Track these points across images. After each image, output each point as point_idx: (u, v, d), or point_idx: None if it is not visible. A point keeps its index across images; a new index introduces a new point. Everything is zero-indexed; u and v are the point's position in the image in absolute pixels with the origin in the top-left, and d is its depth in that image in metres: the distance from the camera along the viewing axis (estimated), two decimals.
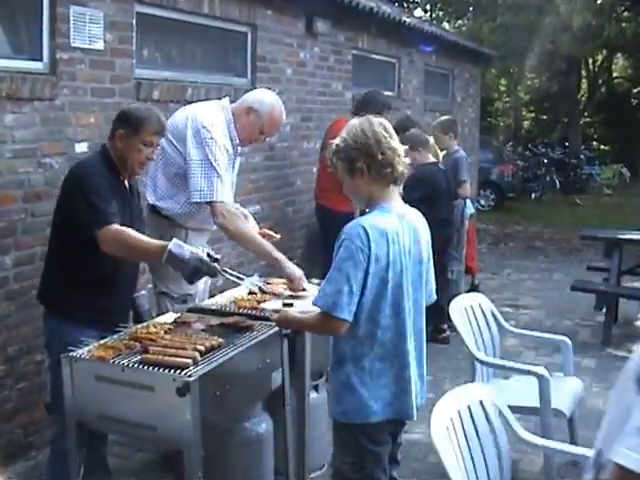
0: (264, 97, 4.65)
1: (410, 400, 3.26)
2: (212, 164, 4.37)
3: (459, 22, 30.52)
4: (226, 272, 3.86)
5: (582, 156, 24.40)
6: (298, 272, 4.51)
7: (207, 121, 4.47)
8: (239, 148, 4.69)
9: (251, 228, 4.61)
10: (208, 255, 3.62)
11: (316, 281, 4.70)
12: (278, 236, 4.83)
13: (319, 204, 7.35)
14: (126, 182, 3.92)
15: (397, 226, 3.20)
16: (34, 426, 4.89)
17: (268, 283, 4.72)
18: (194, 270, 3.57)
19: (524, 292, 10.09)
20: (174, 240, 3.59)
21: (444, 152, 8.07)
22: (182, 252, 3.53)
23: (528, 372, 4.62)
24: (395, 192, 3.30)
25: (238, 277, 3.96)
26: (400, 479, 4.68)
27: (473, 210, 9.31)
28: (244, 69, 7.09)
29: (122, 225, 3.68)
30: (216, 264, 3.64)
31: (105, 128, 3.91)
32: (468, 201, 8.40)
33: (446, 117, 8.34)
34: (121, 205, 3.78)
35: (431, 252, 3.43)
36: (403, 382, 3.24)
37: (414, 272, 3.28)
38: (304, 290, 4.47)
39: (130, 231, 3.62)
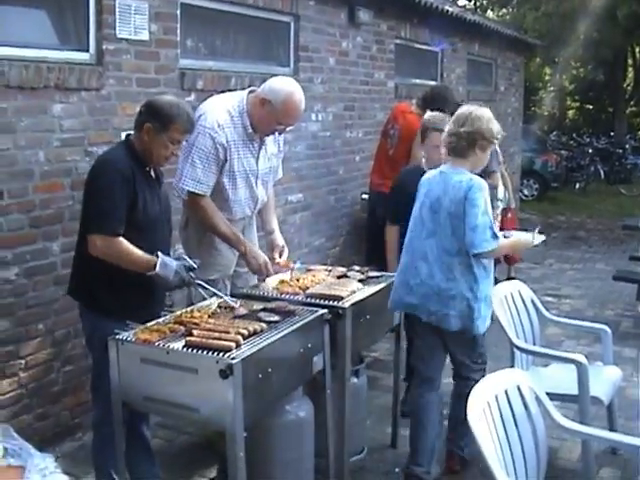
0: (279, 87, 4.44)
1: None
2: (191, 150, 4.33)
3: (503, 10, 30.26)
4: (201, 286, 3.92)
5: (627, 146, 24.08)
6: (260, 258, 4.53)
7: (204, 108, 4.48)
8: (260, 137, 4.58)
9: (219, 219, 4.50)
10: (188, 267, 3.79)
11: (357, 268, 4.76)
12: (294, 264, 4.76)
13: (380, 191, 7.20)
14: (152, 171, 3.95)
15: None
16: (80, 408, 5.00)
17: (308, 270, 4.79)
18: (176, 287, 3.85)
19: (566, 282, 10.06)
20: (160, 259, 3.69)
21: None
22: (167, 273, 3.70)
23: (566, 359, 4.64)
24: None
25: (210, 291, 3.98)
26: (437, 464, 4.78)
27: (513, 203, 9.22)
28: (287, 59, 7.14)
29: (151, 217, 3.81)
30: (191, 275, 3.81)
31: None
32: (500, 192, 8.27)
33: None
34: (149, 196, 3.84)
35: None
36: None
37: None
38: (268, 274, 4.53)
39: (123, 244, 3.67)
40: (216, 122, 4.40)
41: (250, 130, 4.49)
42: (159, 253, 3.73)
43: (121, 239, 3.67)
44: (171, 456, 4.80)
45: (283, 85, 4.46)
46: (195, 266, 3.87)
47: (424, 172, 4.65)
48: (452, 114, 4.68)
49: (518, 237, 4.80)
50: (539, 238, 4.81)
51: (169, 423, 5.09)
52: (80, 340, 4.91)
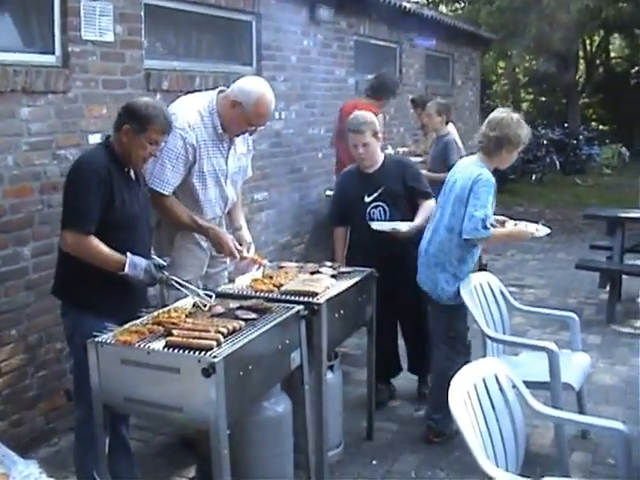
0: (249, 88, 4.47)
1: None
2: (161, 150, 4.26)
3: (456, 5, 30.50)
4: (178, 283, 3.94)
5: (581, 137, 24.43)
6: (227, 238, 4.58)
7: (174, 109, 4.49)
8: (230, 137, 4.62)
9: (181, 212, 4.52)
10: (158, 266, 3.85)
11: (329, 264, 4.81)
12: (265, 262, 4.79)
13: None
14: (131, 172, 3.99)
15: None
16: (55, 413, 4.99)
17: (280, 267, 4.83)
18: (147, 284, 3.92)
19: (529, 272, 10.20)
20: (129, 259, 3.74)
21: (434, 134, 8.18)
22: (136, 273, 3.76)
23: (538, 348, 4.72)
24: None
25: (187, 288, 3.96)
26: (413, 454, 4.85)
27: None
28: (250, 57, 7.16)
29: (129, 216, 3.86)
30: (164, 272, 3.87)
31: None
32: None
33: (441, 100, 8.39)
34: (128, 196, 3.88)
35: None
36: None
37: None
38: (240, 255, 4.60)
39: (94, 243, 3.72)
40: (187, 122, 4.43)
41: (220, 130, 4.52)
42: (128, 253, 3.77)
43: (92, 238, 3.72)
44: (149, 457, 4.80)
45: (253, 86, 4.50)
46: (165, 264, 3.91)
47: (358, 170, 5.55)
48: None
49: (518, 227, 5.07)
50: (544, 230, 5.00)
51: (145, 424, 5.10)
52: (53, 345, 4.92)
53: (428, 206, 5.39)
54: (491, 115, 4.88)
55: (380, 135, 5.50)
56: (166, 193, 4.45)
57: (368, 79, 8.28)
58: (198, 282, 4.65)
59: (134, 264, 3.76)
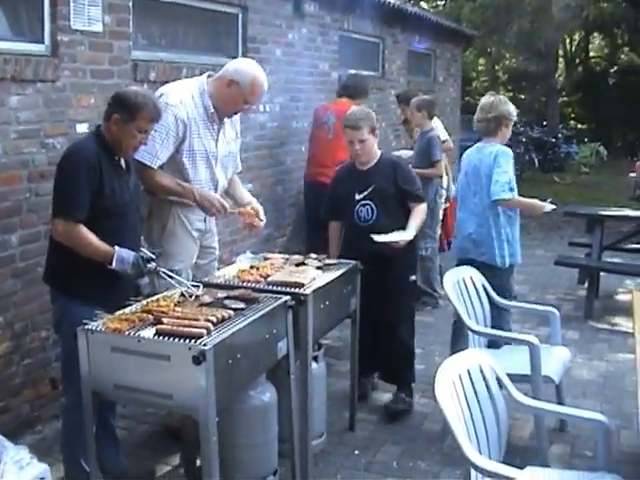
0: (245, 67, 4.66)
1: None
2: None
3: (437, 2, 30.62)
4: (166, 274, 3.99)
5: (560, 135, 24.62)
6: (214, 198, 4.64)
7: (165, 89, 4.62)
8: (221, 119, 4.71)
9: (165, 179, 4.58)
10: (146, 259, 3.90)
11: (314, 256, 4.85)
12: (261, 223, 4.95)
13: (315, 181, 7.44)
14: (122, 161, 4.03)
15: None
16: (40, 400, 5.01)
17: (266, 258, 4.87)
18: (135, 277, 3.97)
19: None
20: (117, 252, 3.80)
21: (417, 129, 8.25)
22: (123, 267, 3.82)
23: (520, 341, 4.80)
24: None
25: (175, 279, 4.02)
26: (395, 445, 4.92)
27: (453, 191, 9.37)
28: (235, 50, 7.18)
29: (119, 204, 3.91)
30: (152, 264, 3.92)
31: (105, 109, 4.01)
32: (445, 181, 8.46)
33: (424, 96, 8.44)
34: (118, 184, 3.93)
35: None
36: None
37: None
38: (225, 212, 4.68)
39: (83, 232, 3.77)
40: (178, 99, 4.52)
41: (212, 110, 4.61)
42: (116, 247, 3.81)
43: (82, 227, 3.76)
44: (134, 445, 4.84)
45: (248, 67, 4.66)
46: (154, 257, 3.95)
47: (354, 165, 5.49)
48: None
49: (534, 200, 5.80)
50: (550, 206, 5.65)
51: (129, 413, 5.13)
52: (39, 333, 4.94)
53: (420, 211, 5.38)
54: (482, 101, 5.70)
55: (377, 131, 5.41)
56: (154, 166, 4.50)
57: (342, 80, 8.35)
58: (188, 271, 4.70)
59: (121, 259, 3.80)
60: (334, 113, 7.46)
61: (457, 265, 5.59)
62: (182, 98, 4.54)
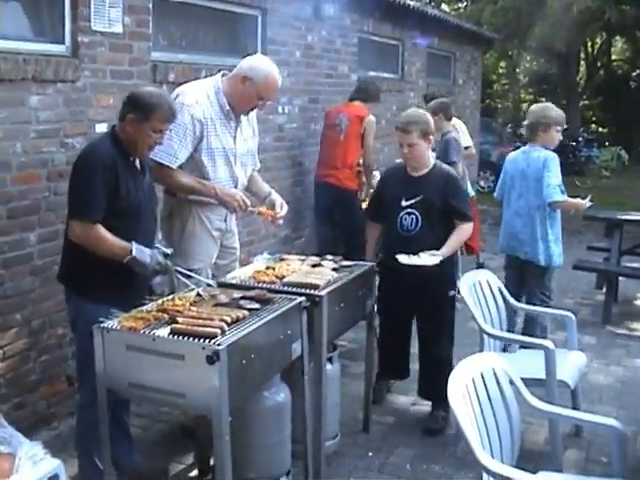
0: (258, 64, 4.65)
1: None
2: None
3: (458, 5, 30.57)
4: (181, 273, 4.03)
5: (581, 139, 24.47)
6: (236, 194, 4.63)
7: (180, 90, 4.65)
8: (237, 116, 4.73)
9: (184, 178, 4.59)
10: (164, 254, 3.95)
11: (330, 257, 4.86)
12: (280, 214, 4.91)
13: (325, 182, 7.66)
14: (137, 161, 4.05)
15: None
16: (56, 397, 5.06)
17: (282, 259, 4.89)
18: (154, 272, 3.93)
19: None
20: (135, 246, 3.81)
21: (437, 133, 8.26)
22: (143, 257, 3.82)
23: (536, 345, 4.79)
24: None
25: (190, 277, 4.07)
26: (408, 448, 4.91)
27: (472, 192, 9.39)
28: (254, 51, 7.12)
29: (134, 205, 3.92)
30: (168, 261, 3.95)
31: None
32: (467, 183, 8.47)
33: (439, 99, 8.44)
34: (133, 185, 3.94)
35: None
36: None
37: None
38: (247, 208, 4.65)
39: (100, 232, 3.78)
40: (194, 99, 4.55)
41: (227, 107, 4.63)
42: (133, 242, 3.82)
43: (99, 226, 3.77)
44: (148, 444, 4.87)
45: (262, 63, 4.67)
46: (169, 252, 3.98)
47: (405, 169, 5.25)
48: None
49: (577, 199, 6.12)
50: (589, 203, 6.09)
51: (144, 412, 5.17)
52: (56, 330, 4.98)
53: (463, 230, 5.18)
54: (531, 108, 6.38)
55: (432, 137, 5.17)
56: (173, 166, 4.52)
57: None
58: (208, 271, 4.74)
59: (141, 249, 3.82)
60: (347, 115, 7.56)
61: (506, 262, 6.39)
62: (197, 98, 4.56)
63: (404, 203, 5.12)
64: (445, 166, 5.33)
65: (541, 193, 5.84)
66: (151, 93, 3.97)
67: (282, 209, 4.91)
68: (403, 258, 4.94)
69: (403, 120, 5.14)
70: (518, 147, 6.70)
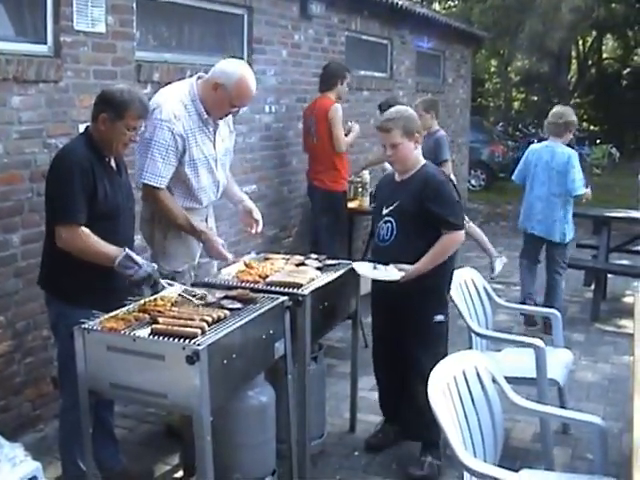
0: (230, 70, 4.52)
1: None
2: (150, 144, 4.39)
3: (449, 3, 30.59)
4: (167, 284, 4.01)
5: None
6: (216, 241, 4.62)
7: (157, 101, 4.52)
8: (214, 121, 4.66)
9: (177, 211, 4.56)
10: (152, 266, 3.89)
11: (314, 256, 4.85)
12: (259, 228, 4.98)
13: (311, 185, 7.73)
14: (112, 162, 4.03)
15: None
16: (41, 399, 5.04)
17: (267, 259, 4.88)
18: (141, 280, 3.86)
19: (515, 270, 10.20)
20: (126, 251, 3.79)
21: (425, 131, 8.23)
22: (131, 265, 3.79)
23: (525, 344, 4.78)
24: None
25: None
26: (395, 447, 4.90)
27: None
28: (241, 51, 7.18)
29: (113, 206, 3.91)
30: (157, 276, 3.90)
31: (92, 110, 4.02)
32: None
33: (428, 97, 8.42)
34: (110, 186, 3.92)
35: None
36: None
37: None
38: (226, 258, 4.65)
39: (87, 235, 3.76)
40: (172, 114, 4.45)
41: (205, 116, 4.56)
42: (126, 248, 3.81)
43: (85, 230, 3.75)
44: (134, 444, 4.86)
45: (234, 68, 4.53)
46: (154, 266, 3.95)
47: (393, 178, 4.77)
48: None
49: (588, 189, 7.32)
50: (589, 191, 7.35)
51: (129, 412, 5.15)
52: (40, 332, 4.96)
53: (445, 242, 4.49)
54: (554, 110, 7.55)
55: (418, 135, 4.62)
56: (161, 186, 4.47)
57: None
58: (191, 273, 4.75)
59: (129, 256, 3.79)
60: (315, 116, 7.47)
61: (524, 240, 7.75)
62: (175, 111, 4.45)
63: (384, 211, 4.67)
64: (430, 167, 4.69)
65: (562, 183, 7.10)
66: (122, 90, 3.93)
67: (258, 218, 4.97)
68: (361, 267, 4.61)
69: (383, 118, 4.68)
70: (540, 140, 7.96)
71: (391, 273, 4.45)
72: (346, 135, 7.52)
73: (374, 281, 4.64)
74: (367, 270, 4.56)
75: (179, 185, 4.59)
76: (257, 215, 4.97)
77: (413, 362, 4.54)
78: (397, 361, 4.73)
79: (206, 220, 4.87)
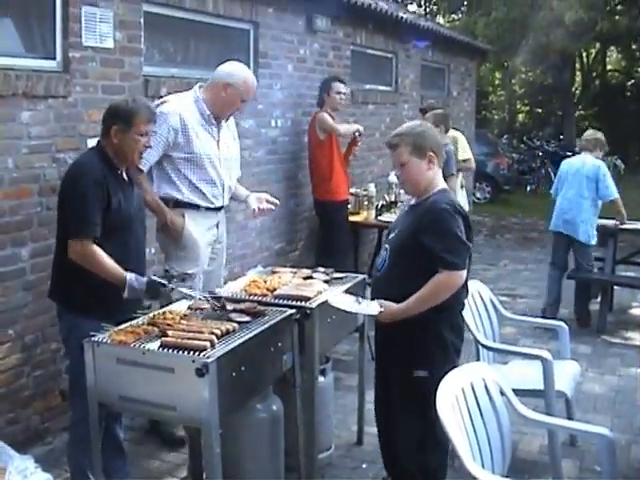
0: (235, 70, 4.99)
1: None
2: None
3: (453, 16, 30.66)
4: (182, 293, 4.05)
5: (577, 149, 24.48)
6: (179, 224, 4.86)
7: (158, 101, 4.92)
8: (218, 122, 4.96)
9: (148, 188, 4.79)
10: (160, 283, 3.91)
11: (322, 269, 4.87)
12: (274, 203, 5.27)
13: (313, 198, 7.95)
14: (124, 174, 4.07)
15: None
16: (50, 412, 5.05)
17: (274, 272, 4.90)
18: (151, 299, 3.99)
19: (521, 282, 10.26)
20: (128, 281, 3.82)
21: None
22: (137, 289, 3.84)
23: (533, 356, 4.79)
24: None
25: (189, 295, 4.09)
26: None
27: (466, 207, 9.38)
28: (247, 65, 7.17)
29: (125, 218, 3.95)
30: (166, 287, 3.92)
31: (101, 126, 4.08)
32: (460, 197, 8.44)
33: (439, 110, 8.45)
34: (123, 198, 3.96)
35: None
36: None
37: None
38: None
39: (99, 254, 3.80)
40: (172, 108, 4.81)
41: (208, 113, 4.87)
42: (127, 275, 3.83)
43: (96, 248, 3.79)
44: (141, 457, 4.87)
45: (237, 68, 5.04)
46: (165, 282, 3.95)
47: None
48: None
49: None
50: None
51: (138, 425, 5.17)
52: (49, 345, 4.98)
53: (438, 283, 3.81)
54: (587, 132, 8.52)
55: (433, 154, 3.98)
56: (143, 169, 4.70)
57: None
58: (200, 276, 4.96)
59: (132, 285, 3.83)
60: (308, 130, 7.80)
61: (553, 246, 8.34)
62: (176, 107, 4.81)
63: (390, 237, 4.18)
64: (440, 195, 3.98)
65: (591, 188, 7.83)
66: (127, 100, 4.06)
67: (272, 200, 5.26)
68: (337, 299, 4.11)
69: (392, 134, 4.11)
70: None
71: (371, 308, 3.96)
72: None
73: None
74: (342, 302, 4.06)
75: (183, 180, 4.87)
76: (271, 198, 5.26)
77: (396, 417, 4.09)
78: (388, 412, 4.21)
79: (217, 226, 5.10)
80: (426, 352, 3.88)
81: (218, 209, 5.07)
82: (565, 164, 8.27)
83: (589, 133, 8.41)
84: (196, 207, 4.91)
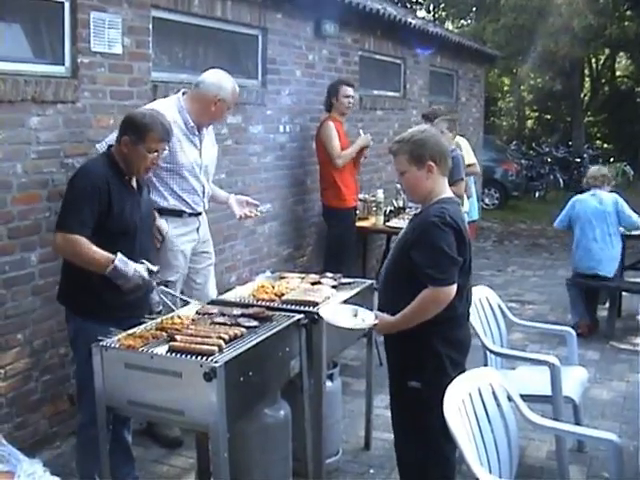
0: (224, 82, 5.03)
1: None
2: None
3: (462, 22, 30.66)
4: (166, 293, 4.10)
5: (585, 155, 24.44)
6: (163, 226, 4.89)
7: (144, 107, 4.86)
8: (200, 130, 5.03)
9: None
10: (149, 271, 3.93)
11: (330, 275, 4.88)
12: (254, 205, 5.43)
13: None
14: (133, 181, 4.09)
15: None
16: (58, 417, 5.07)
17: (282, 277, 4.91)
18: (135, 287, 3.90)
19: (529, 288, 10.25)
20: (119, 256, 3.82)
21: None
22: (126, 269, 3.83)
23: (540, 361, 4.79)
24: None
25: (172, 300, 4.15)
26: None
27: (476, 216, 9.39)
28: (255, 71, 7.25)
29: (130, 224, 3.97)
30: (152, 278, 3.96)
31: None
32: (467, 203, 8.42)
33: (448, 116, 8.43)
34: (128, 204, 3.98)
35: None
36: None
37: None
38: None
39: (80, 243, 3.80)
40: None
41: (191, 124, 4.92)
42: (118, 253, 3.84)
43: (79, 237, 3.79)
44: (149, 462, 4.87)
45: (226, 80, 5.07)
46: (155, 269, 3.99)
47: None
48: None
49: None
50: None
51: (141, 429, 5.17)
52: (57, 350, 4.99)
53: (423, 300, 3.65)
54: (590, 170, 8.54)
55: (433, 164, 3.80)
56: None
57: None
58: (181, 281, 5.05)
59: (124, 261, 3.83)
60: (315, 135, 7.74)
61: (578, 279, 8.07)
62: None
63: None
64: (437, 206, 3.78)
65: (614, 222, 7.92)
66: (144, 114, 4.04)
67: (254, 202, 5.45)
68: (328, 314, 3.97)
69: (394, 141, 3.98)
70: (582, 191, 8.21)
71: (367, 321, 3.93)
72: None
73: None
74: (337, 316, 3.95)
75: (167, 189, 4.91)
76: (251, 200, 5.42)
77: (394, 429, 4.09)
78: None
79: (197, 231, 5.15)
80: (418, 364, 3.78)
81: (199, 214, 5.17)
82: (578, 202, 8.11)
83: (594, 170, 8.41)
84: (179, 214, 4.99)
